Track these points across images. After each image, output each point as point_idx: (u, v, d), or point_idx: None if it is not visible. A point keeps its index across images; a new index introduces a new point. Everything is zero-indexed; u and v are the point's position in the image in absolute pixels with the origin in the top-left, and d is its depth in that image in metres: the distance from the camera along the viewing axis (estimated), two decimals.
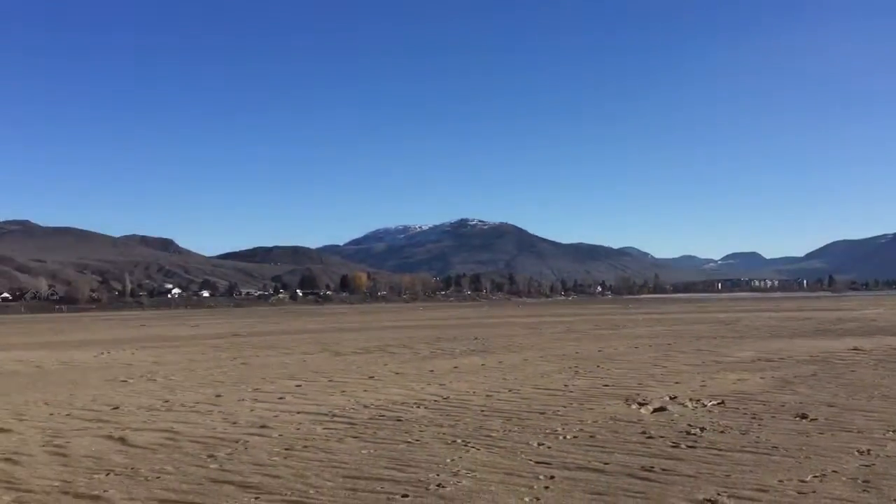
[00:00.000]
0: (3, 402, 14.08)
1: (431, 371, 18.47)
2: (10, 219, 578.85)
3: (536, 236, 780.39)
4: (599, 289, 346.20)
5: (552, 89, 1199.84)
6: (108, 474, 8.25)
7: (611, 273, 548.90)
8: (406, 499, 7.08)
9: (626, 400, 12.90)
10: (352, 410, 12.38)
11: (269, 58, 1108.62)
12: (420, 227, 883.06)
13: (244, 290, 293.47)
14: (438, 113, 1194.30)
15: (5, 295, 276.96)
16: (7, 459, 9.02)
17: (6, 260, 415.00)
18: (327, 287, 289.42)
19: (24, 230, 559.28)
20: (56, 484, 7.86)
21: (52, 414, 12.59)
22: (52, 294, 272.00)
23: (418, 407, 12.62)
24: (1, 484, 7.89)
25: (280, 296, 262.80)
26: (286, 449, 9.38)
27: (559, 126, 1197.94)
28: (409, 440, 9.77)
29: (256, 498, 7.19)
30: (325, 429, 10.73)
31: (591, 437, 9.79)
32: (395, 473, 8.03)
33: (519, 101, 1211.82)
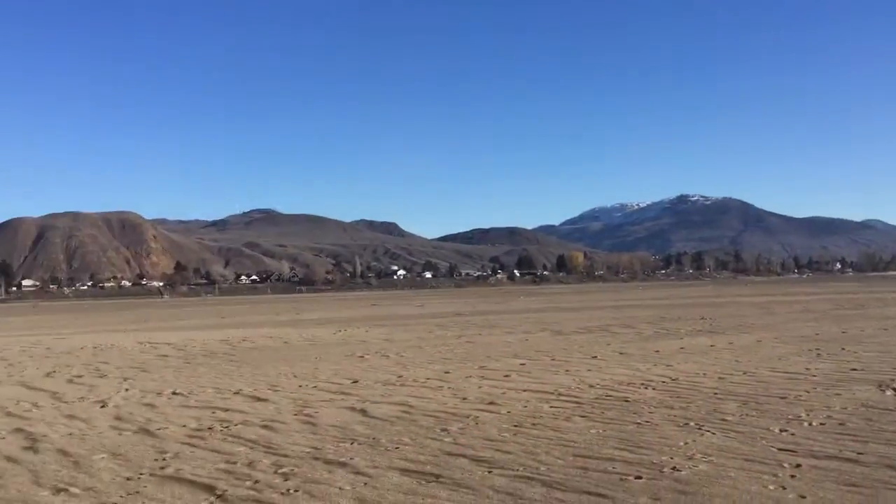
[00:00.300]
0: (259, 375, 15.55)
1: (657, 352, 17.97)
2: (257, 208, 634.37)
3: (764, 210, 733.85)
4: (838, 266, 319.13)
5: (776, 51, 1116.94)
6: (352, 443, 8.84)
7: (851, 248, 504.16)
8: (640, 480, 6.95)
9: (880, 385, 11.79)
10: (577, 390, 12.35)
11: (504, 44, 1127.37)
12: (637, 205, 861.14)
13: (464, 271, 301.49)
14: (655, 85, 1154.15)
15: (254, 277, 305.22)
16: (266, 426, 9.93)
17: (254, 245, 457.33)
18: (544, 267, 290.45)
19: (268, 218, 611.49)
20: (307, 450, 8.54)
21: (300, 386, 13.71)
22: (293, 276, 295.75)
23: (646, 388, 12.33)
24: (261, 448, 8.69)
25: (498, 276, 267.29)
26: (515, 426, 9.54)
27: (787, 89, 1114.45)
28: (639, 421, 9.57)
29: (489, 472, 7.38)
30: (551, 407, 10.79)
31: (840, 424, 9.04)
32: (626, 454, 7.90)
33: (742, 65, 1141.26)
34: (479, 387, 13.01)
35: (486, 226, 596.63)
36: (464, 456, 8.05)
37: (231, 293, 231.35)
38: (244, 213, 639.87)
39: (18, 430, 10.14)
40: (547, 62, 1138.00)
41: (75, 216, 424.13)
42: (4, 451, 8.81)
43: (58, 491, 7.10)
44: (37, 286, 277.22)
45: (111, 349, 23.27)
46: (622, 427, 9.25)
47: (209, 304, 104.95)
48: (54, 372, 17.08)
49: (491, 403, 11.24)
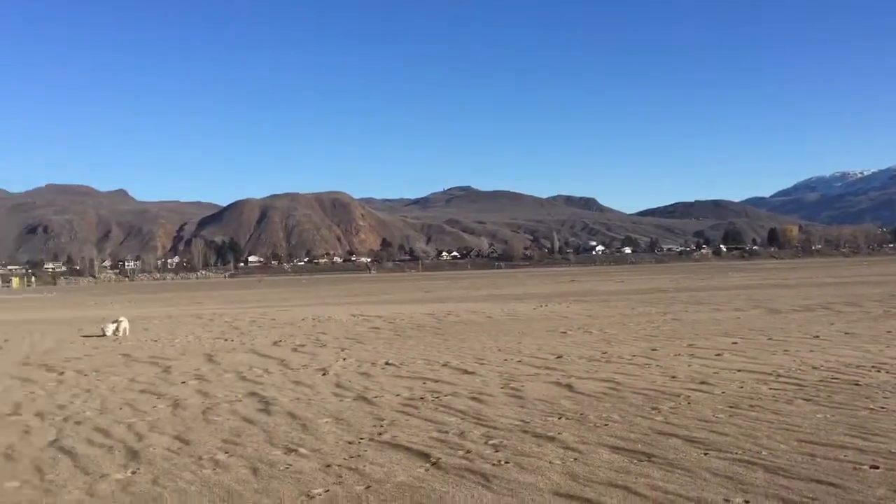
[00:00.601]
0: (465, 348, 15.95)
1: (889, 332, 16.42)
2: (456, 185, 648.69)
3: None
4: None
5: None
6: (560, 418, 8.83)
7: None
8: (876, 470, 6.38)
9: None
10: (798, 371, 11.55)
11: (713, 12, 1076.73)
12: (861, 173, 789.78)
13: (665, 246, 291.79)
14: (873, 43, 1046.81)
15: (455, 253, 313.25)
16: (474, 398, 10.16)
17: (454, 222, 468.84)
18: (753, 241, 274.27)
19: (467, 195, 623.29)
20: (516, 423, 8.64)
21: (505, 360, 13.90)
22: (492, 252, 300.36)
23: (878, 371, 11.30)
24: (471, 419, 8.90)
25: (702, 251, 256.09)
26: (730, 406, 9.09)
27: None
28: (872, 406, 8.79)
29: (705, 454, 7.08)
30: (770, 389, 10.18)
31: None
32: (858, 441, 7.29)
33: None
34: (689, 365, 12.53)
35: (690, 199, 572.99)
36: (676, 436, 7.79)
37: (433, 269, 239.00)
38: (444, 190, 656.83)
39: (252, 393, 11.08)
40: (769, 20, 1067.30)
41: (293, 197, 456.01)
42: (242, 413, 9.65)
43: (289, 451, 7.68)
44: (260, 262, 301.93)
45: (328, 321, 24.82)
46: (853, 412, 8.54)
47: (412, 279, 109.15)
48: (280, 341, 18.49)
49: (703, 383, 10.79)
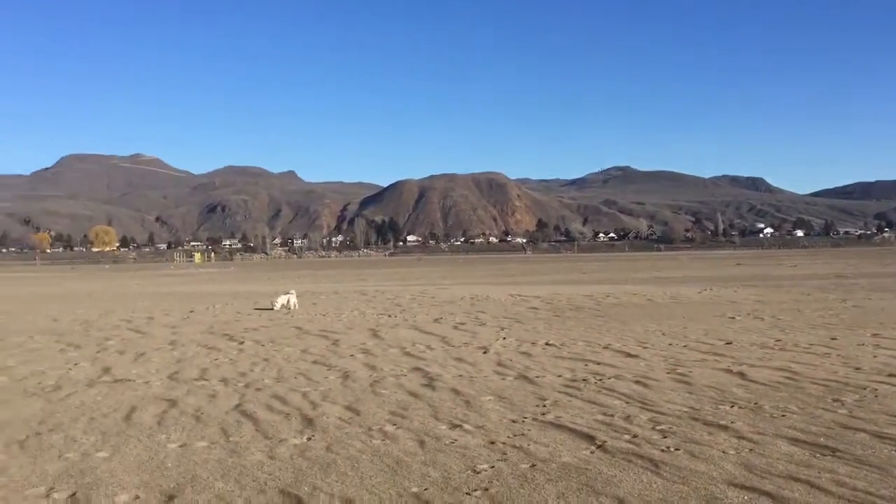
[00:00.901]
0: (626, 331, 15.60)
1: None
2: (614, 165, 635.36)
3: None
4: None
5: None
6: (732, 406, 8.45)
7: None
8: None
9: None
10: None
11: None
12: None
13: (842, 229, 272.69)
14: None
15: (611, 235, 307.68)
16: (638, 382, 9.92)
17: (611, 203, 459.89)
18: None
19: (624, 175, 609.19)
20: (684, 409, 8.35)
21: (670, 344, 13.47)
22: (650, 234, 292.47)
23: None
24: (636, 403, 8.69)
25: (884, 235, 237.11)
26: None
27: None
28: None
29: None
30: None
31: None
32: None
33: None
34: (875, 356, 11.64)
35: (870, 178, 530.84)
36: (864, 431, 7.25)
37: (589, 250, 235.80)
38: (602, 171, 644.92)
39: (416, 368, 11.35)
40: None
41: (450, 178, 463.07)
42: (407, 387, 9.92)
43: (453, 426, 7.81)
44: (418, 241, 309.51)
45: (486, 300, 25.04)
46: None
47: (568, 261, 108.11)
48: (441, 318, 18.85)
49: (891, 375, 9.99)
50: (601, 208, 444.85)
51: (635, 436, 7.28)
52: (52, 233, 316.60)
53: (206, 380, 10.72)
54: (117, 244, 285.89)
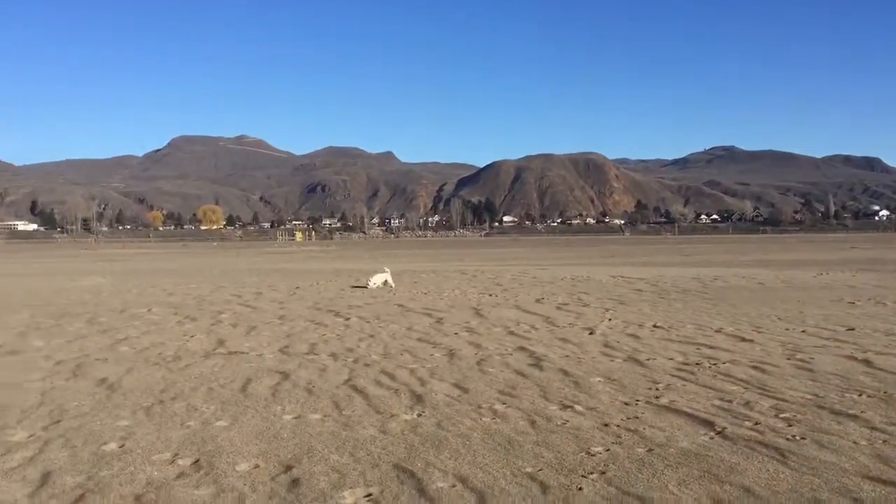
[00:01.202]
0: (738, 314, 15.03)
1: None
2: (717, 145, 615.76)
3: None
4: None
5: None
6: (859, 395, 7.99)
7: None
8: None
9: None
10: None
11: None
12: None
13: None
14: None
15: (714, 217, 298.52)
16: (756, 368, 9.51)
17: (714, 184, 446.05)
18: None
19: (729, 155, 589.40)
20: (808, 397, 7.94)
21: (786, 329, 12.89)
22: (756, 216, 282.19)
23: None
24: (755, 389, 8.33)
25: None
26: None
27: None
28: None
29: None
30: None
31: None
32: None
33: None
34: None
35: None
36: None
37: (690, 233, 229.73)
38: (705, 150, 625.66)
39: (522, 348, 11.25)
40: None
41: (547, 158, 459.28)
42: (514, 366, 9.83)
43: (564, 407, 7.67)
44: (514, 222, 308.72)
45: (587, 281, 24.66)
46: None
47: (669, 242, 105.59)
48: (543, 299, 18.66)
49: None
50: (704, 189, 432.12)
51: (757, 423, 6.97)
52: (164, 211, 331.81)
53: (315, 354, 10.93)
54: (224, 222, 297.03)
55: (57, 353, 11.28)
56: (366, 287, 22.01)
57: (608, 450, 6.24)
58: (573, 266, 36.55)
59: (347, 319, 14.86)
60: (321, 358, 10.60)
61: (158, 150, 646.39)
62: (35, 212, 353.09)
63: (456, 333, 12.80)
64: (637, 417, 7.23)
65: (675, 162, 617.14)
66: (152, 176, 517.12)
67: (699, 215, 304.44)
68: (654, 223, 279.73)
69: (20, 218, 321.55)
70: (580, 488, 5.40)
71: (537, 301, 18.09)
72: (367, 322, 14.44)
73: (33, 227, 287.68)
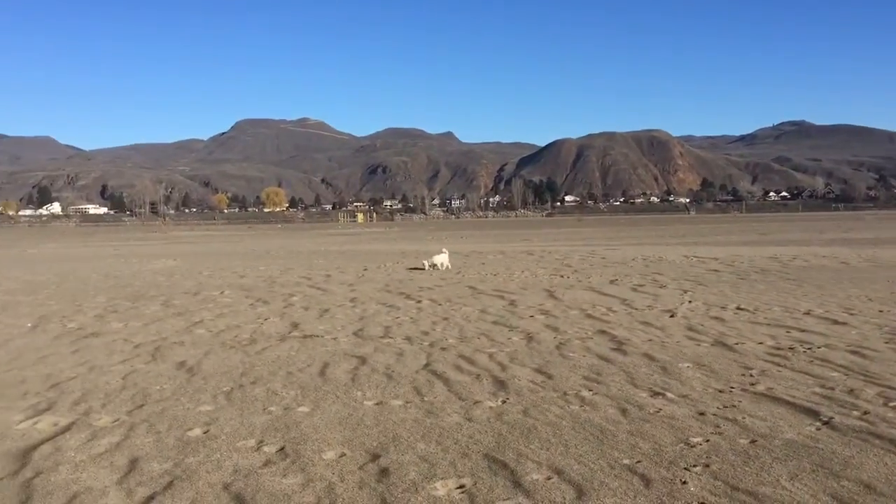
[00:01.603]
0: (825, 295, 14.37)
1: None
2: (787, 120, 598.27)
3: None
4: None
5: None
6: None
7: None
8: None
9: None
10: None
11: None
12: None
13: None
14: None
15: (783, 194, 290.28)
16: (855, 352, 8.99)
17: (783, 160, 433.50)
18: None
19: (800, 130, 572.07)
20: None
21: (881, 311, 12.23)
22: (827, 192, 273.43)
23: None
24: (857, 376, 7.85)
25: None
26: None
27: None
28: None
29: None
30: None
31: None
32: None
33: None
34: None
35: None
36: None
37: (758, 210, 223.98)
38: (774, 126, 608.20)
39: (602, 332, 10.90)
40: None
41: (609, 136, 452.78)
42: (595, 351, 9.50)
43: (655, 394, 7.33)
44: (576, 201, 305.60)
45: (659, 261, 24.03)
46: None
47: (738, 221, 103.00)
48: (616, 280, 18.19)
49: None
50: (772, 166, 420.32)
51: (866, 412, 6.53)
52: (229, 194, 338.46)
53: (390, 337, 10.78)
54: (286, 204, 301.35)
55: (135, 335, 11.39)
56: (423, 269, 21.84)
57: (708, 440, 5.91)
58: (642, 246, 35.78)
59: (419, 302, 14.68)
60: (396, 342, 10.43)
61: (223, 134, 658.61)
62: (105, 196, 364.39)
63: (531, 316, 12.50)
64: (734, 406, 6.86)
65: (743, 138, 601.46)
66: (217, 159, 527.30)
67: (767, 192, 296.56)
68: (720, 201, 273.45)
69: (91, 202, 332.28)
70: (684, 482, 5.09)
71: (611, 282, 17.63)
72: (440, 304, 14.24)
73: (103, 210, 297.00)
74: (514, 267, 22.84)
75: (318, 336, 11.00)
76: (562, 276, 19.31)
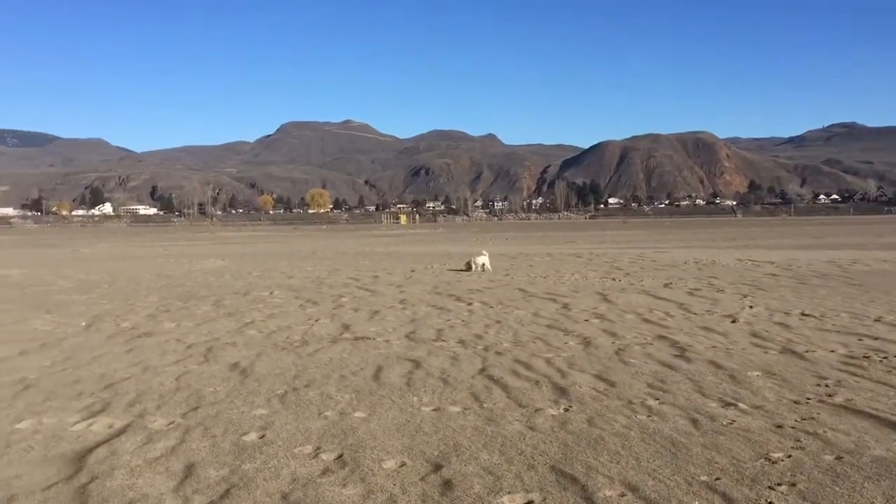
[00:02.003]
0: (894, 301, 13.77)
1: None
2: (837, 122, 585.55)
3: None
4: None
5: None
6: None
7: None
8: None
9: None
10: None
11: None
12: None
13: None
14: None
15: (834, 196, 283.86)
16: None
17: (834, 162, 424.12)
18: None
19: (850, 132, 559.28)
20: None
21: None
22: (880, 195, 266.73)
23: None
24: None
25: None
26: None
27: None
28: None
29: None
30: None
31: None
32: None
33: None
34: None
35: None
36: None
37: (806, 213, 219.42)
38: (824, 128, 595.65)
39: (661, 337, 10.52)
40: None
41: (654, 138, 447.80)
42: (657, 357, 9.14)
43: (726, 405, 6.97)
44: (620, 204, 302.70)
45: (713, 265, 23.43)
46: None
47: (788, 224, 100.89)
48: (671, 283, 17.72)
49: None
50: (822, 168, 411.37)
51: None
52: (274, 195, 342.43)
53: (443, 340, 10.54)
54: (331, 206, 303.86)
55: (187, 335, 11.33)
56: (471, 271, 21.55)
57: (790, 456, 5.55)
58: (691, 249, 35.05)
59: (470, 304, 14.42)
60: (450, 345, 10.19)
61: (269, 136, 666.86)
62: (155, 196, 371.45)
63: (586, 320, 12.16)
64: (813, 418, 6.47)
65: (791, 140, 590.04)
66: (263, 161, 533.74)
67: (817, 195, 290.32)
68: (768, 204, 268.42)
69: (141, 202, 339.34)
70: (770, 502, 4.75)
71: (665, 286, 17.18)
72: (491, 307, 13.96)
73: (153, 211, 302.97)
74: (562, 269, 22.46)
75: (369, 338, 10.80)
76: (614, 279, 18.89)
